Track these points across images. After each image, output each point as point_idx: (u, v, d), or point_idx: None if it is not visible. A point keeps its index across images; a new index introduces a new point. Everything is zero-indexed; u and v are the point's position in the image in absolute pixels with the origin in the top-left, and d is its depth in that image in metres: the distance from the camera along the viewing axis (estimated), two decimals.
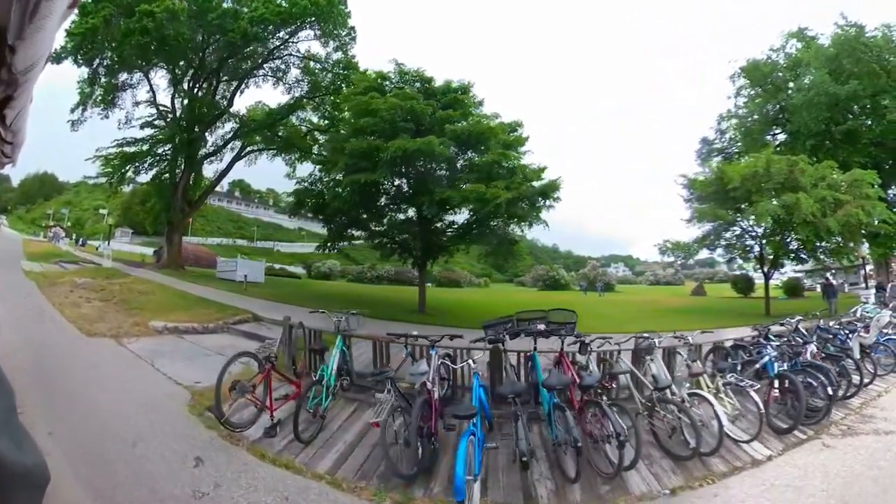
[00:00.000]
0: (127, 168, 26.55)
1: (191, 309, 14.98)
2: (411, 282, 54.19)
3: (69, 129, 29.36)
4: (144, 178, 28.27)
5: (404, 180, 20.51)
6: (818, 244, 21.24)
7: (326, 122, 29.43)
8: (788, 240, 21.93)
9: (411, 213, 21.02)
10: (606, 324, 16.57)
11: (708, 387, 7.55)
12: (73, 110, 29.05)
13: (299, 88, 29.53)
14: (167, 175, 27.16)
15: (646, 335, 8.64)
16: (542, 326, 7.87)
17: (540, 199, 18.97)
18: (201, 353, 10.94)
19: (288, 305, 18.10)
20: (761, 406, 7.07)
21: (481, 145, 18.71)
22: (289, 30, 27.13)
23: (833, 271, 29.06)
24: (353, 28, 28.18)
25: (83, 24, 24.29)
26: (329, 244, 23.68)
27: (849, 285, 31.47)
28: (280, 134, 29.40)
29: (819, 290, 25.83)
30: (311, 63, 28.95)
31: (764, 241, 22.80)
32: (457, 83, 21.39)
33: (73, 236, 60.42)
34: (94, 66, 26.76)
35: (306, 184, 23.44)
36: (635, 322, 16.30)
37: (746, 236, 23.74)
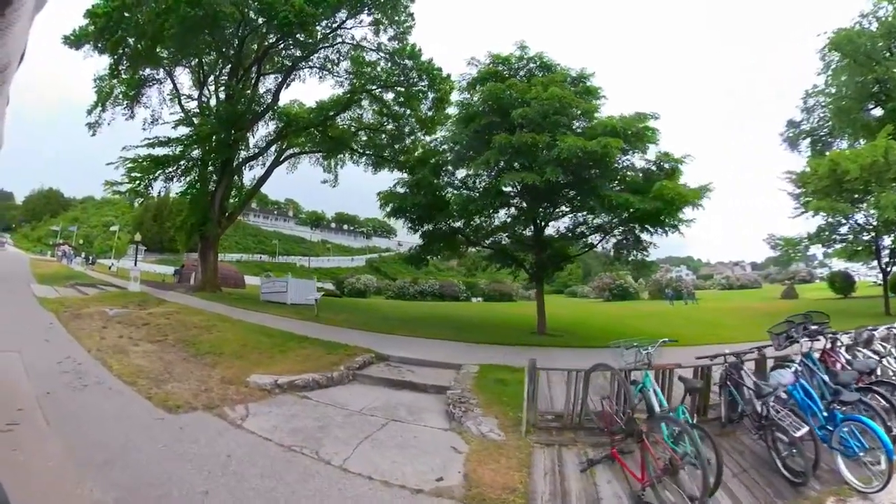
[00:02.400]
0: (156, 174, 22.61)
1: (288, 351, 10.99)
2: (456, 297, 51.16)
3: (86, 132, 25.93)
4: (168, 186, 24.55)
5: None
6: None
7: (385, 117, 25.60)
8: None
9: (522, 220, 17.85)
10: (735, 334, 15.31)
11: None
12: (90, 111, 25.61)
13: (348, 81, 25.73)
14: (201, 183, 23.36)
15: (869, 328, 8.63)
16: (814, 327, 7.42)
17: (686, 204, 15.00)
18: (365, 424, 7.28)
19: (380, 334, 14.85)
20: None
21: (640, 143, 14.96)
22: (345, 11, 23.26)
23: None
24: (412, 14, 24.39)
25: (110, 2, 20.56)
26: (423, 255, 20.40)
27: None
28: (329, 134, 25.43)
29: None
30: (365, 53, 25.10)
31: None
32: (575, 71, 17.54)
33: (84, 254, 56.26)
34: (119, 54, 22.90)
35: (402, 188, 19.22)
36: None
37: (862, 230, 21.99)
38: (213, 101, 25.96)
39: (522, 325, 19.67)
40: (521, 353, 11.86)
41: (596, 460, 5.94)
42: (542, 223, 17.58)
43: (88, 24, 21.78)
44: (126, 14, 20.43)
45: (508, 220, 18.43)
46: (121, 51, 22.57)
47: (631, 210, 13.36)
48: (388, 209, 18.57)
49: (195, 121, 23.47)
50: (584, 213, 16.92)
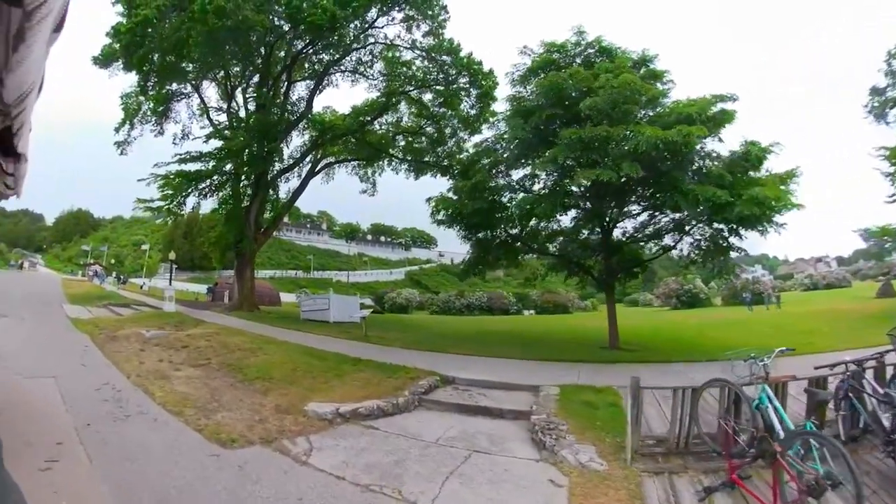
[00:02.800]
0: (189, 190, 22.22)
1: (344, 375, 10.02)
2: (506, 310, 49.06)
3: (114, 151, 25.80)
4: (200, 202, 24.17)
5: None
6: None
7: (424, 119, 24.84)
8: None
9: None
10: (832, 341, 13.49)
11: None
12: (117, 129, 25.48)
13: (383, 84, 25.06)
14: (235, 198, 22.88)
15: None
16: None
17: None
18: (446, 456, 6.40)
19: (438, 353, 13.81)
20: None
21: (716, 128, 13.67)
22: (376, 10, 22.59)
23: None
24: (445, 7, 23.54)
25: (133, 19, 20.26)
26: (477, 266, 19.07)
27: None
28: (367, 140, 24.75)
29: None
30: (399, 52, 24.42)
31: None
32: (637, 54, 16.23)
33: (114, 274, 56.88)
34: (145, 70, 22.62)
35: (454, 193, 17.95)
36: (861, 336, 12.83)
37: None
38: (242, 113, 25.66)
39: (589, 339, 18.52)
40: (598, 372, 11.12)
41: (714, 488, 5.35)
42: (610, 225, 16.31)
43: (113, 43, 21.61)
44: (149, 29, 20.02)
45: (572, 223, 17.29)
46: (147, 67, 22.19)
47: (717, 205, 12.02)
48: (441, 216, 17.22)
49: (227, 134, 22.89)
50: (658, 211, 15.64)
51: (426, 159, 25.78)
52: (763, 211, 12.10)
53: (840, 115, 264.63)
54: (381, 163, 28.11)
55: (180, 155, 21.99)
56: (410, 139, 26.40)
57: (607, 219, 15.97)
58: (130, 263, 67.95)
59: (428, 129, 25.39)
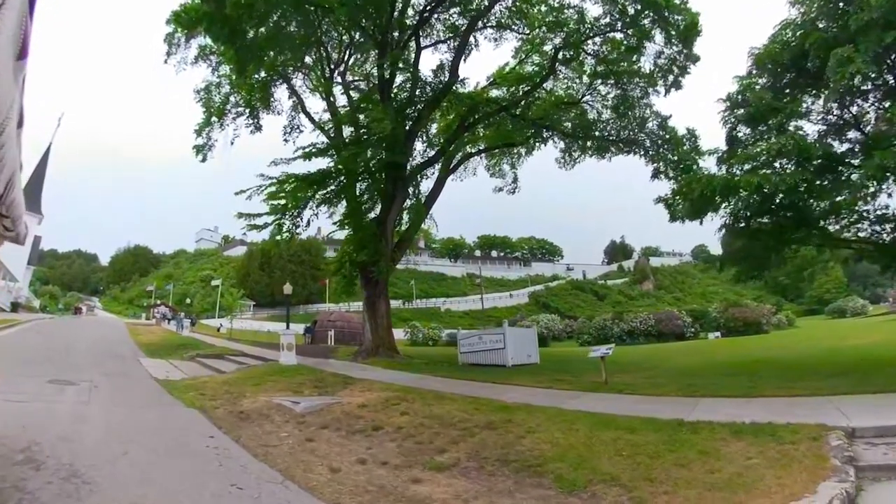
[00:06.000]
0: (311, 196, 18.51)
1: (687, 448, 6.63)
2: (682, 334, 41.97)
3: (193, 156, 22.87)
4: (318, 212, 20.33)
5: None
6: None
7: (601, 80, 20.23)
8: None
9: None
10: None
11: None
12: (198, 131, 22.59)
13: (538, 39, 20.57)
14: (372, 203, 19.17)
15: None
16: None
17: None
18: None
19: (740, 399, 10.06)
20: None
21: None
22: None
23: None
24: None
25: None
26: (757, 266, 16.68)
27: None
28: (527, 116, 20.31)
29: None
30: None
31: None
32: None
33: (183, 314, 55.13)
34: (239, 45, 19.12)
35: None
36: None
37: None
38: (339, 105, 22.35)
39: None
40: None
41: None
42: None
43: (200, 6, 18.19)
44: None
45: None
46: (238, 42, 18.78)
47: None
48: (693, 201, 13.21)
49: (369, 108, 18.61)
50: None
51: (608, 135, 21.14)
52: None
53: None
54: (531, 147, 23.97)
55: (303, 148, 18.08)
56: (576, 110, 21.74)
57: None
58: (200, 302, 66.62)
59: (610, 93, 20.72)
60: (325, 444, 7.65)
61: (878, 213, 13.98)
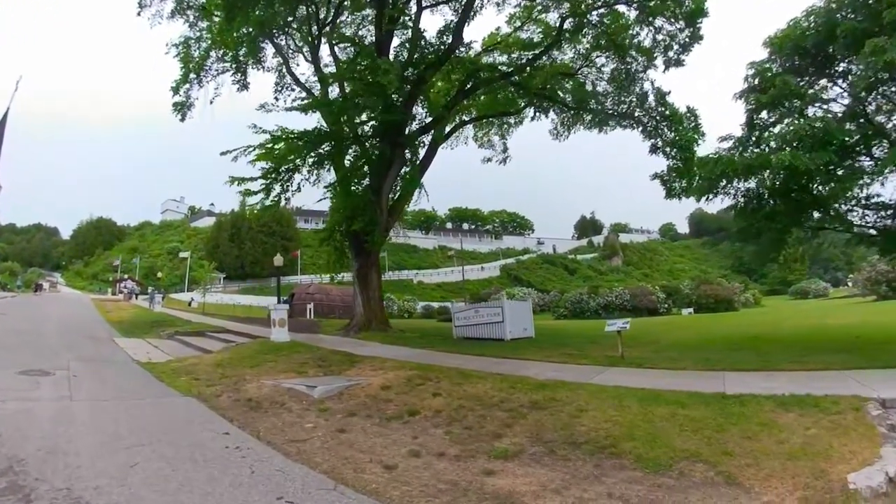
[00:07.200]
0: (307, 155, 17.49)
1: (747, 421, 6.59)
2: (655, 309, 42.55)
3: (172, 115, 22.09)
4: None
5: None
6: None
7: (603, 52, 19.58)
8: None
9: None
10: None
11: None
12: (176, 88, 21.92)
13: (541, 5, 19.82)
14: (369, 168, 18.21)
15: None
16: None
17: None
18: None
19: (760, 372, 10.17)
20: None
21: None
22: None
23: None
24: None
25: None
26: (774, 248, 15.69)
27: None
28: (534, 84, 19.59)
29: None
30: None
31: None
32: None
33: (151, 289, 53.25)
34: None
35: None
36: None
37: None
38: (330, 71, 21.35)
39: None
40: None
41: None
42: None
43: None
44: None
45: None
46: None
47: None
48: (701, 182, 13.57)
49: (379, 62, 17.55)
50: None
51: (606, 107, 20.69)
52: None
53: None
54: (521, 118, 23.58)
55: (301, 101, 17.18)
56: (573, 81, 21.16)
57: None
58: (167, 275, 64.65)
59: (602, 65, 20.37)
60: (363, 436, 6.92)
61: (878, 200, 14.13)
